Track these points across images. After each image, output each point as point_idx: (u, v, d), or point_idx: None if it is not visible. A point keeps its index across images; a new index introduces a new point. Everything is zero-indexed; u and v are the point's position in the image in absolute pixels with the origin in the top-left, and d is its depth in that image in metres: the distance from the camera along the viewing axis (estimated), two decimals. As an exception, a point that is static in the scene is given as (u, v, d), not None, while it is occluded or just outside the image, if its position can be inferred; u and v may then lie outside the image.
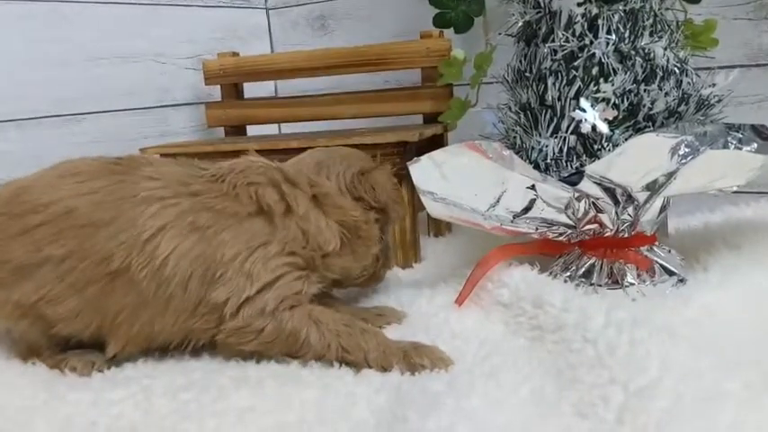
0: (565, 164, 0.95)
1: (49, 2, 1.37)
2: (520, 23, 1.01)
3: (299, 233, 0.86)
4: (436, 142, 1.33)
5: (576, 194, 0.93)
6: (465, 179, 0.95)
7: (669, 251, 1.00)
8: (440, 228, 1.38)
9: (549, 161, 0.96)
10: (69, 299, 0.81)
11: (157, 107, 1.54)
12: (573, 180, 0.93)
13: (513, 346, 0.83)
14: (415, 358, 0.78)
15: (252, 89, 1.58)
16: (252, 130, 1.56)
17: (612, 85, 0.93)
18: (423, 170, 0.96)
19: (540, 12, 0.99)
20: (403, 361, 0.78)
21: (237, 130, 1.54)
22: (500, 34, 1.06)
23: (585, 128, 0.93)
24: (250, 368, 0.80)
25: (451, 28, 1.33)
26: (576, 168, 0.94)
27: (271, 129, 1.61)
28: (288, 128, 1.64)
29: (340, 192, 0.92)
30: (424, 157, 0.97)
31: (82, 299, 0.81)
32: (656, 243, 0.99)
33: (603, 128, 0.93)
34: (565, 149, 0.95)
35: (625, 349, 0.70)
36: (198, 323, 0.82)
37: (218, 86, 1.54)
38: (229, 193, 0.84)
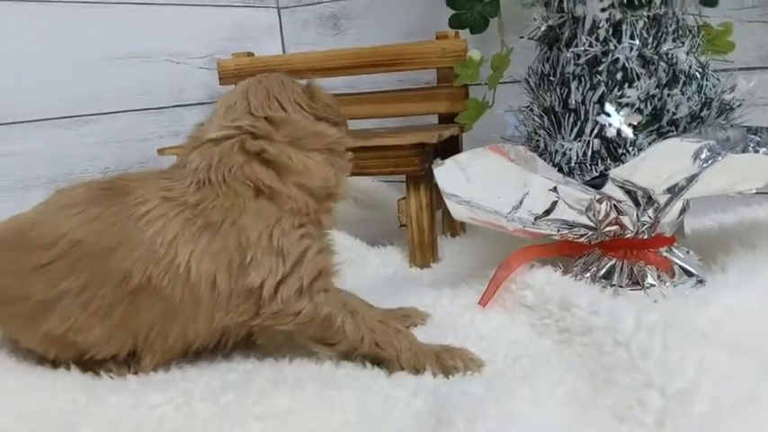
0: (589, 167, 0.96)
1: (67, 3, 1.37)
2: (543, 27, 1.02)
3: (300, 195, 0.86)
4: (452, 143, 1.34)
5: (598, 197, 0.94)
6: (488, 182, 0.96)
7: (688, 252, 1.01)
8: (455, 227, 1.39)
9: (572, 165, 0.97)
10: (96, 326, 0.81)
11: (172, 107, 1.54)
12: (597, 183, 0.95)
13: (541, 347, 0.85)
14: (448, 360, 0.79)
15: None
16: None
17: (637, 89, 0.95)
18: (447, 173, 0.97)
19: (563, 16, 1.00)
20: (436, 363, 0.79)
21: (251, 129, 1.54)
22: (522, 37, 1.07)
23: (610, 132, 0.94)
24: (286, 369, 0.81)
25: (467, 29, 1.34)
26: (600, 172, 0.95)
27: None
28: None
29: (308, 120, 0.91)
30: (449, 160, 0.98)
31: (109, 324, 0.81)
32: (675, 244, 1.01)
33: (628, 132, 0.94)
34: (589, 153, 0.96)
35: (659, 352, 0.71)
36: (233, 317, 0.82)
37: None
38: (223, 191, 0.84)
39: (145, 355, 0.84)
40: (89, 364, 0.85)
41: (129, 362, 0.85)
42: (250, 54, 1.53)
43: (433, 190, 1.23)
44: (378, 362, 0.82)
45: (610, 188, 0.93)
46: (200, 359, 0.87)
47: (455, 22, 1.35)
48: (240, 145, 0.86)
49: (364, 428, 0.68)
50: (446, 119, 1.38)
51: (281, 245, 0.81)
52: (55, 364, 0.86)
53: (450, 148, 1.30)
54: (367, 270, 1.21)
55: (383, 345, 0.81)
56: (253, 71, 1.50)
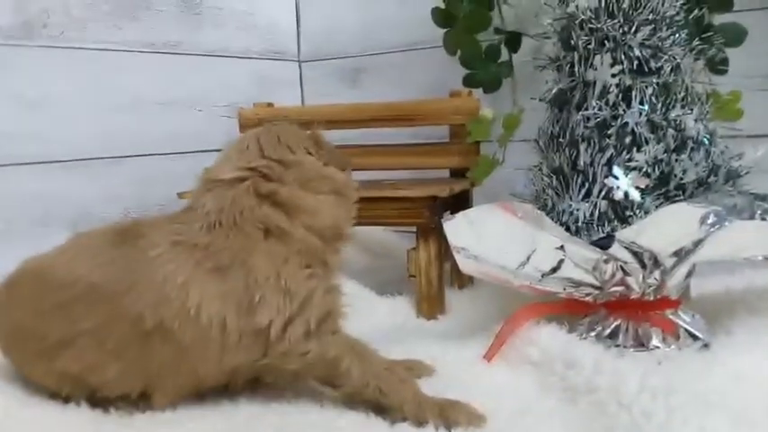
0: (596, 228, 0.98)
1: (97, 50, 1.43)
2: (554, 90, 1.05)
3: (308, 237, 0.87)
4: (463, 197, 1.36)
5: (604, 257, 0.96)
6: (496, 237, 0.98)
7: (693, 315, 1.02)
8: (463, 280, 1.40)
9: (579, 225, 0.99)
10: (110, 365, 0.83)
11: (194, 152, 1.59)
12: (603, 244, 0.96)
13: (545, 406, 0.85)
14: (452, 414, 0.79)
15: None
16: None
17: (645, 154, 0.97)
18: (456, 227, 0.99)
19: (574, 80, 1.03)
20: (439, 416, 0.80)
21: (268, 176, 1.57)
22: (533, 99, 1.10)
23: (618, 194, 0.96)
24: (290, 415, 0.82)
25: (480, 88, 1.38)
26: (607, 233, 0.97)
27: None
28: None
29: (317, 163, 0.93)
30: (459, 215, 1.00)
31: (123, 363, 0.83)
32: (681, 307, 1.02)
33: (636, 195, 0.96)
34: (596, 214, 0.98)
35: (662, 416, 0.71)
36: (242, 358, 0.83)
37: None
38: (234, 233, 0.85)
39: (155, 394, 0.85)
40: (99, 400, 0.86)
41: (139, 401, 0.86)
42: (270, 104, 1.57)
43: (443, 242, 1.25)
44: (380, 409, 0.83)
45: (616, 249, 0.94)
46: (206, 401, 0.88)
47: (469, 82, 1.38)
48: (254, 187, 0.88)
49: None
50: (457, 173, 1.40)
51: (288, 285, 0.83)
52: (66, 399, 0.88)
53: (460, 202, 1.33)
54: (374, 319, 1.22)
55: (387, 392, 0.82)
56: (272, 121, 1.55)
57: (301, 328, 0.82)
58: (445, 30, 1.38)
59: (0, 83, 1.29)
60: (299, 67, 1.84)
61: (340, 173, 0.95)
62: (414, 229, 1.26)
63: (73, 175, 1.38)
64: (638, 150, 0.98)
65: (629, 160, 0.97)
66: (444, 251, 1.26)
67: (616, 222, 0.97)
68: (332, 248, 0.91)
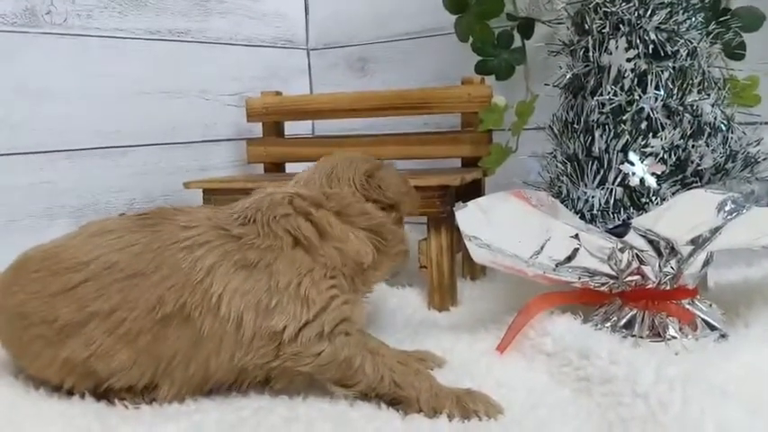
0: (611, 215, 0.96)
1: (100, 37, 1.41)
2: (568, 76, 1.03)
3: (336, 255, 0.88)
4: (474, 187, 1.34)
5: (620, 245, 0.94)
6: (510, 226, 0.96)
7: (710, 305, 1.00)
8: (475, 271, 1.38)
9: (594, 212, 0.97)
10: (121, 352, 0.82)
11: (200, 142, 1.57)
12: (619, 232, 0.94)
13: (559, 396, 0.83)
14: (469, 404, 0.78)
15: (289, 127, 1.60)
16: (289, 168, 1.58)
17: (661, 139, 0.95)
18: (468, 216, 0.97)
19: (588, 65, 1.01)
20: (456, 406, 0.78)
21: (277, 166, 1.56)
22: (547, 85, 1.08)
23: (634, 181, 0.94)
24: (300, 408, 0.81)
25: (493, 75, 1.36)
26: (623, 220, 0.95)
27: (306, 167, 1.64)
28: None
29: (356, 198, 0.95)
30: (471, 203, 0.98)
31: (134, 350, 0.82)
32: (698, 297, 1.00)
33: (652, 182, 0.94)
34: (611, 201, 0.96)
35: (678, 407, 0.70)
36: (253, 358, 0.82)
37: (259, 124, 1.56)
38: (265, 231, 0.86)
39: (162, 385, 0.84)
40: (104, 392, 0.85)
41: (144, 392, 0.85)
42: (278, 93, 1.56)
43: (454, 233, 1.23)
44: (395, 403, 0.81)
45: (632, 237, 0.92)
46: (215, 393, 0.87)
47: (481, 69, 1.36)
48: (290, 200, 0.90)
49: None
50: (469, 163, 1.38)
51: (307, 294, 0.83)
52: (70, 392, 0.87)
53: (472, 191, 1.31)
54: (385, 310, 1.20)
55: (403, 384, 0.81)
56: (280, 110, 1.54)
57: (315, 331, 0.82)
58: (457, 16, 1.36)
59: (3, 71, 1.28)
60: (308, 55, 1.82)
61: (380, 212, 0.96)
62: (424, 219, 1.24)
63: (77, 165, 1.37)
64: (654, 136, 0.96)
65: (645, 146, 0.96)
66: (456, 242, 1.24)
67: (632, 209, 0.95)
68: (359, 277, 0.92)
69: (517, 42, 1.36)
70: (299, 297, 0.82)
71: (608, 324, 0.99)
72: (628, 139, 0.96)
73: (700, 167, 0.95)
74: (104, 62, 1.42)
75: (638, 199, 0.95)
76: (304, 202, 0.90)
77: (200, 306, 0.81)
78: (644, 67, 0.97)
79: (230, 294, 0.81)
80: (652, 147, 0.95)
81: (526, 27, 1.35)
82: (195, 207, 0.93)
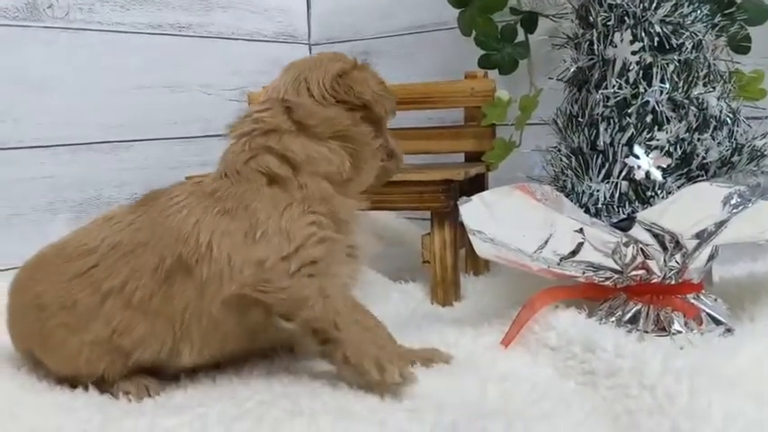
0: (616, 209, 0.96)
1: (102, 31, 1.41)
2: (572, 69, 1.02)
3: (312, 181, 0.89)
4: (478, 181, 1.34)
5: (624, 240, 0.93)
6: (514, 220, 0.96)
7: (715, 300, 1.00)
8: (478, 266, 1.38)
9: (599, 206, 0.97)
10: (140, 321, 0.84)
11: (201, 137, 1.57)
12: (624, 225, 0.94)
13: (563, 389, 0.83)
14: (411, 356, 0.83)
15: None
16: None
17: (666, 133, 0.94)
18: (472, 210, 0.97)
19: (593, 58, 1.00)
20: (395, 360, 0.81)
21: (279, 161, 1.55)
22: (551, 78, 1.07)
23: (639, 174, 0.94)
24: (302, 400, 0.80)
25: (496, 69, 1.36)
26: (628, 214, 0.94)
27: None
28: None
29: (324, 101, 0.93)
30: (475, 197, 0.97)
31: (150, 315, 0.84)
32: (703, 291, 1.00)
33: (657, 175, 0.94)
34: (616, 195, 0.96)
35: (685, 398, 0.70)
36: (237, 288, 0.83)
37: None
38: (236, 179, 0.88)
39: (183, 348, 0.85)
40: (108, 386, 0.86)
41: (170, 362, 0.87)
42: (280, 88, 1.55)
43: (458, 227, 1.23)
44: (326, 354, 0.84)
45: (637, 231, 0.92)
46: (218, 385, 0.87)
47: (484, 63, 1.36)
48: (252, 139, 0.91)
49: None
50: (472, 158, 1.38)
51: (287, 228, 0.85)
52: (73, 384, 0.87)
53: (475, 186, 1.30)
54: (388, 306, 1.20)
55: (341, 326, 0.83)
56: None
57: (285, 267, 0.83)
58: (460, 10, 1.36)
59: (5, 65, 1.28)
60: (310, 49, 1.82)
61: (346, 114, 0.94)
62: (426, 215, 1.24)
63: (79, 160, 1.37)
64: (660, 129, 0.95)
65: (651, 139, 0.95)
66: (459, 236, 1.24)
67: (637, 203, 0.95)
68: (342, 191, 0.92)
69: (520, 36, 1.36)
70: (281, 230, 0.84)
71: (613, 318, 0.99)
72: (633, 133, 0.96)
73: (705, 161, 0.95)
74: (106, 56, 1.41)
75: (643, 192, 0.95)
76: (262, 139, 0.90)
77: (195, 254, 0.84)
78: (649, 59, 0.97)
79: (218, 238, 0.84)
80: (657, 140, 0.95)
81: (529, 21, 1.35)
82: (183, 183, 0.95)
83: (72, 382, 0.88)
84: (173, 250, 0.84)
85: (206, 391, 0.86)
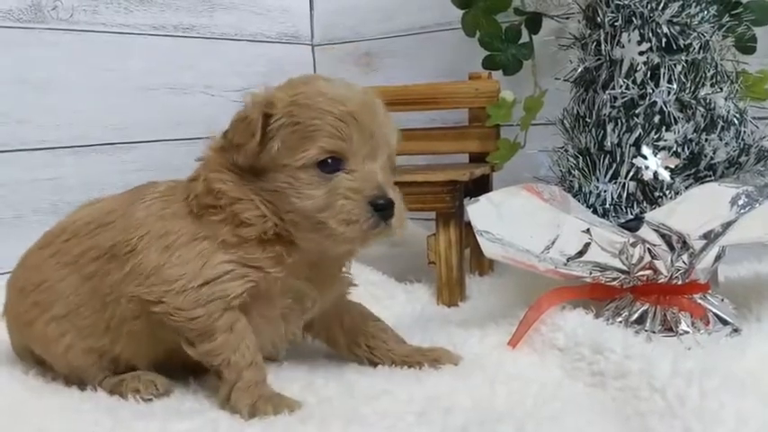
0: (624, 210, 0.96)
1: (106, 33, 1.41)
2: (579, 69, 1.02)
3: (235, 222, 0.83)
4: (482, 182, 1.34)
5: (632, 240, 0.93)
6: (521, 221, 0.96)
7: (722, 300, 1.00)
8: (483, 266, 1.38)
9: (607, 207, 0.97)
10: (86, 301, 0.87)
11: (205, 138, 1.56)
12: (631, 226, 0.94)
13: (572, 391, 0.83)
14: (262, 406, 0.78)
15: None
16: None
17: (674, 133, 0.94)
18: (480, 210, 0.97)
19: (600, 59, 1.00)
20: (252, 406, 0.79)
21: (282, 162, 1.55)
22: (557, 79, 1.07)
23: (647, 175, 0.94)
24: (313, 405, 0.80)
25: (500, 70, 1.35)
26: (635, 215, 0.94)
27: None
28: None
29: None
30: (482, 198, 0.97)
31: (94, 295, 0.86)
32: (710, 291, 0.99)
33: (665, 175, 0.94)
34: (624, 196, 0.96)
35: (696, 400, 0.70)
36: (146, 291, 0.82)
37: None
38: (184, 189, 0.86)
39: (111, 337, 0.86)
40: (117, 386, 0.86)
41: (155, 381, 0.86)
42: (284, 89, 1.55)
43: (463, 228, 1.23)
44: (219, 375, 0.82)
45: (645, 231, 0.92)
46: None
47: (489, 64, 1.36)
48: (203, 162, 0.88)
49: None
50: (477, 158, 1.38)
51: (204, 259, 0.82)
52: (81, 386, 0.87)
53: (480, 187, 1.30)
54: (394, 306, 1.20)
55: (233, 366, 0.81)
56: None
57: (197, 297, 0.81)
58: (464, 11, 1.36)
59: (9, 66, 1.27)
60: (312, 50, 1.81)
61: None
62: (430, 216, 1.24)
63: (83, 161, 1.37)
64: (668, 130, 0.95)
65: (658, 140, 0.95)
66: (464, 237, 1.23)
67: (645, 204, 0.95)
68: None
69: (525, 38, 1.36)
70: (199, 258, 0.81)
71: (620, 319, 0.99)
72: (640, 133, 0.96)
73: (713, 161, 0.95)
74: (110, 58, 1.41)
75: (651, 193, 0.95)
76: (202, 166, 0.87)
77: (128, 245, 0.84)
78: (656, 60, 0.97)
79: (149, 239, 0.83)
80: (665, 140, 0.95)
81: (534, 22, 1.35)
82: (179, 181, 0.92)
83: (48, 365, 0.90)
84: (120, 235, 0.85)
85: (217, 395, 0.85)
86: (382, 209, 0.78)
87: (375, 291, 1.21)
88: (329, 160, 0.79)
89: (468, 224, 1.02)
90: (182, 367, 0.89)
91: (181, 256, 0.82)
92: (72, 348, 0.87)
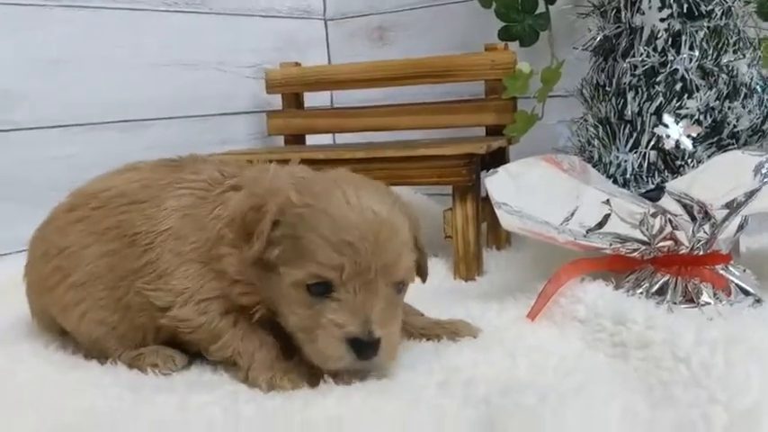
0: (644, 179, 0.94)
1: (119, 9, 1.40)
2: (599, 38, 1.01)
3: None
4: (499, 155, 1.33)
5: (652, 210, 0.92)
6: (540, 192, 0.95)
7: (744, 270, 0.99)
8: (500, 240, 1.37)
9: (627, 177, 0.95)
10: (104, 274, 0.87)
11: (219, 115, 1.56)
12: (652, 196, 0.93)
13: (593, 362, 0.82)
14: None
15: (307, 100, 1.59)
16: (309, 140, 1.57)
17: (696, 101, 0.93)
18: (498, 182, 0.96)
19: (620, 26, 0.98)
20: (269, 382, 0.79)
21: (297, 138, 1.55)
22: (576, 48, 1.06)
23: (668, 143, 0.92)
24: (331, 377, 0.80)
25: (517, 41, 1.34)
26: (657, 184, 0.93)
27: (326, 138, 1.62)
28: (341, 138, 1.65)
29: None
30: (500, 169, 0.96)
31: (111, 271, 0.87)
32: (732, 262, 0.98)
33: (687, 144, 0.92)
34: (645, 165, 0.94)
35: (721, 369, 0.68)
36: (154, 294, 0.83)
37: (278, 96, 1.55)
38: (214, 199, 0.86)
39: (120, 317, 0.87)
40: (135, 360, 0.87)
41: (174, 356, 0.86)
42: (297, 65, 1.54)
43: (479, 202, 1.22)
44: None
45: (666, 201, 0.91)
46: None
47: (505, 35, 1.34)
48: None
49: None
50: (493, 131, 1.37)
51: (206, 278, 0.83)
52: (101, 360, 0.87)
53: (496, 160, 1.29)
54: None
55: (243, 353, 0.81)
56: (299, 81, 1.52)
57: (200, 309, 0.82)
58: (479, -19, 1.34)
59: (22, 44, 1.27)
60: (325, 25, 1.79)
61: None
62: (446, 191, 1.23)
63: (98, 139, 1.37)
64: (689, 98, 0.94)
65: (680, 108, 0.94)
66: (481, 211, 1.23)
67: (666, 173, 0.94)
68: None
69: (541, 8, 1.34)
70: (200, 279, 0.82)
71: (640, 290, 0.98)
72: (662, 102, 0.94)
73: (736, 129, 0.94)
74: (123, 35, 1.40)
75: (672, 162, 0.94)
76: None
77: (148, 236, 0.84)
78: (678, 27, 0.95)
79: (167, 235, 0.84)
80: (687, 108, 0.93)
81: (550, -8, 1.33)
82: (221, 159, 0.93)
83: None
84: (145, 224, 0.85)
85: (235, 370, 0.84)
86: (363, 350, 0.74)
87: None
88: (318, 284, 0.75)
89: (486, 198, 1.01)
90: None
91: (187, 270, 0.83)
92: (86, 317, 0.87)
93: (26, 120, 1.28)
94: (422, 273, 0.88)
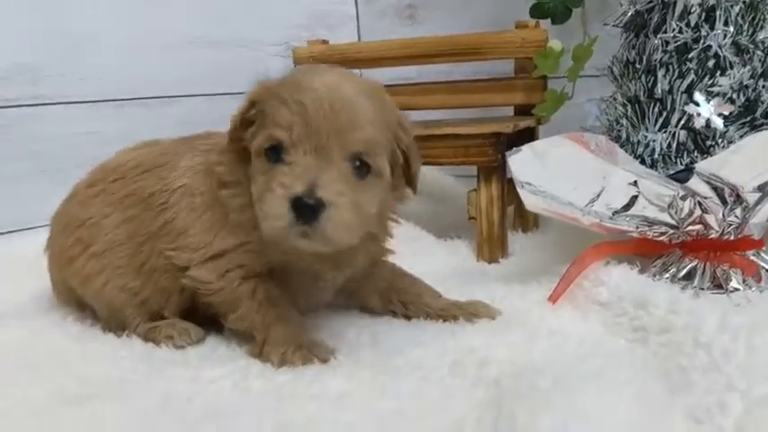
0: (673, 160, 0.91)
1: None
2: (630, 13, 0.97)
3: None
4: (527, 135, 1.30)
5: (681, 193, 0.89)
6: (565, 172, 0.92)
7: (776, 256, 0.95)
8: (527, 223, 1.35)
9: (656, 157, 0.92)
10: (123, 242, 0.89)
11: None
12: (681, 177, 0.90)
13: (613, 346, 0.81)
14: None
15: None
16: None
17: (730, 78, 0.89)
18: (522, 161, 0.94)
19: (652, 1, 0.95)
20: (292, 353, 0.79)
21: (324, 117, 1.53)
22: (606, 24, 1.02)
23: (699, 123, 0.89)
24: (344, 355, 0.79)
25: (548, 18, 1.30)
26: (686, 165, 0.90)
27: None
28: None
29: None
30: (525, 147, 0.94)
31: (130, 236, 0.89)
32: (763, 248, 0.95)
33: (719, 123, 0.89)
34: (674, 145, 0.91)
35: (742, 355, 0.66)
36: (174, 253, 0.85)
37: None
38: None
39: (143, 283, 0.88)
40: (150, 332, 0.87)
41: (189, 329, 0.87)
42: (325, 42, 1.53)
43: (505, 183, 1.20)
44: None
45: (695, 183, 0.88)
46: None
47: (536, 12, 1.31)
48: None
49: (418, 416, 0.65)
50: (522, 111, 1.34)
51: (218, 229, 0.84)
52: (117, 333, 0.89)
53: (524, 141, 1.25)
54: (433, 262, 1.18)
55: (260, 328, 0.82)
56: (327, 59, 1.50)
57: (215, 269, 0.83)
58: (510, -43, 1.30)
59: (51, 20, 1.28)
60: (356, 2, 1.77)
61: None
62: (472, 172, 1.21)
63: (124, 115, 1.38)
64: (722, 75, 0.90)
65: (712, 86, 0.90)
66: (507, 193, 1.20)
67: (696, 153, 0.91)
68: None
69: (574, -16, 1.30)
70: (210, 230, 0.84)
71: (667, 275, 0.95)
72: (693, 79, 0.91)
73: (771, 108, 0.90)
74: (151, 12, 1.41)
75: (703, 142, 0.91)
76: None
77: (162, 195, 0.87)
78: (712, 1, 0.91)
79: (181, 193, 0.86)
80: (720, 86, 0.90)
81: (584, -33, 1.29)
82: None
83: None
84: (159, 184, 0.87)
85: (249, 346, 0.85)
86: (303, 210, 0.71)
87: (414, 246, 1.19)
88: (273, 148, 0.75)
89: (512, 180, 0.99)
90: (209, 321, 0.89)
91: (201, 221, 0.84)
92: (107, 285, 0.89)
93: (52, 94, 1.30)
94: (410, 180, 0.85)
